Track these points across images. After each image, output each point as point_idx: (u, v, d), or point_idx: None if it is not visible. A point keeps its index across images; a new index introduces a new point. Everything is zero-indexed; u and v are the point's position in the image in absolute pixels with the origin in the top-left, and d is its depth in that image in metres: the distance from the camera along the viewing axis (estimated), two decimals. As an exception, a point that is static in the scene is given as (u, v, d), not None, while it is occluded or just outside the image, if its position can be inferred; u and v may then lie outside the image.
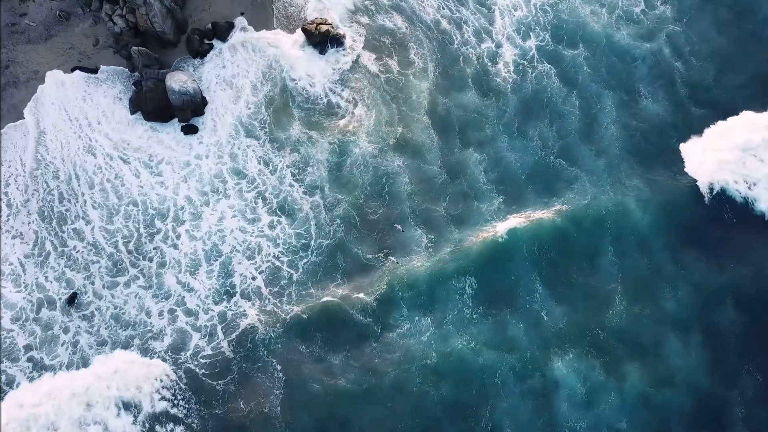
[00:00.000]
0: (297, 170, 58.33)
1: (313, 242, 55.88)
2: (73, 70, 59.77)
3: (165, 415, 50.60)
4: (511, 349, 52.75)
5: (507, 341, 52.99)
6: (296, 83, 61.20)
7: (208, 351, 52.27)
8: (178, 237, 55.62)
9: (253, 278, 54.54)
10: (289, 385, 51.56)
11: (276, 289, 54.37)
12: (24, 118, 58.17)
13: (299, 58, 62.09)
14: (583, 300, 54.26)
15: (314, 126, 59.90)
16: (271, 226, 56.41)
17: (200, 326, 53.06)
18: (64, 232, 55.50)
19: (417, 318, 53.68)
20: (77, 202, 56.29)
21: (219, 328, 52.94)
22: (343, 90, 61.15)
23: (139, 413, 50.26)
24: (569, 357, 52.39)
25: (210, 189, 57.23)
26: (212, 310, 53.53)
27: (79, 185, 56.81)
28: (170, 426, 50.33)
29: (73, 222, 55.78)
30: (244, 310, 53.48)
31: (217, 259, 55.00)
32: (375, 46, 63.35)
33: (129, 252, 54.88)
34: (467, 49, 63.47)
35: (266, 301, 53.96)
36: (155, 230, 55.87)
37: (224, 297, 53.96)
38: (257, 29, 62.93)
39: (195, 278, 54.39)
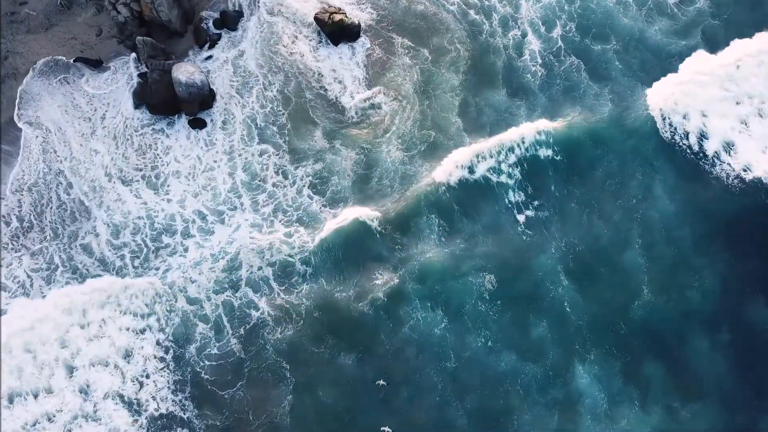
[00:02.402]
0: (318, 180, 56.57)
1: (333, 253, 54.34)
2: (75, 62, 58.47)
3: (170, 417, 49.85)
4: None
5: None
6: (310, 78, 59.59)
7: (215, 346, 51.56)
8: (186, 249, 54.32)
9: (260, 268, 53.36)
10: (298, 390, 50.60)
11: (285, 283, 53.23)
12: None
13: (311, 49, 60.68)
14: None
15: (333, 129, 58.26)
16: (288, 236, 54.92)
17: (205, 315, 52.35)
18: (72, 249, 54.31)
19: (430, 312, 52.48)
20: (88, 220, 55.09)
21: (225, 318, 52.16)
22: (360, 87, 59.56)
23: (141, 416, 49.55)
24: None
25: (226, 207, 55.62)
26: (215, 299, 52.71)
27: (88, 202, 55.76)
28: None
29: (84, 237, 54.59)
30: (252, 300, 52.53)
31: (224, 257, 53.89)
32: (392, 38, 61.62)
33: (135, 267, 53.64)
34: (495, 39, 61.72)
35: (275, 295, 52.81)
36: (162, 245, 54.45)
37: (228, 287, 52.96)
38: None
39: (201, 274, 53.40)
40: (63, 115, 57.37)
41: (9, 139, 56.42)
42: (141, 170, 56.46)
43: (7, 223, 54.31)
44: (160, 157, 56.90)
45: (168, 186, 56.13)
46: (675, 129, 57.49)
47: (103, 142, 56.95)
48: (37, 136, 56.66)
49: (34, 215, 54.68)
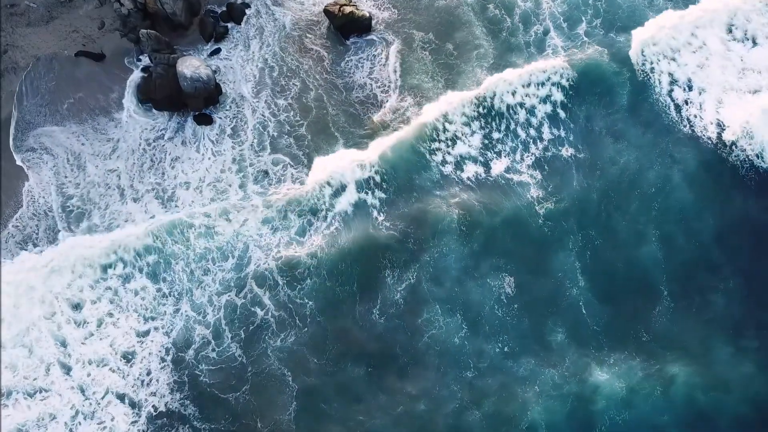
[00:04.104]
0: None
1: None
2: (77, 56, 58.05)
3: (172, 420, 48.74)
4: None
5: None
6: (326, 80, 58.67)
7: (216, 350, 50.32)
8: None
9: (267, 266, 51.98)
10: (301, 397, 48.99)
11: (290, 278, 51.82)
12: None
13: (325, 47, 59.86)
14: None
15: (355, 138, 56.94)
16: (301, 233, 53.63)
17: (208, 318, 51.09)
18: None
19: (448, 316, 50.90)
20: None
21: (226, 322, 50.88)
22: (384, 91, 58.32)
23: (140, 417, 48.48)
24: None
25: (236, 210, 54.26)
26: (219, 302, 51.43)
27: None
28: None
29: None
30: (256, 295, 51.24)
31: (232, 253, 52.72)
32: (408, 32, 60.55)
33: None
34: (517, 38, 60.56)
35: (279, 292, 51.33)
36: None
37: (234, 288, 51.62)
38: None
39: (206, 274, 52.14)
40: (79, 138, 56.51)
41: (24, 152, 55.83)
42: (152, 187, 55.35)
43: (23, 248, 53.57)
44: (168, 171, 55.73)
45: (177, 199, 54.94)
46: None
47: (120, 158, 56.08)
48: (46, 162, 55.73)
49: (45, 242, 53.44)
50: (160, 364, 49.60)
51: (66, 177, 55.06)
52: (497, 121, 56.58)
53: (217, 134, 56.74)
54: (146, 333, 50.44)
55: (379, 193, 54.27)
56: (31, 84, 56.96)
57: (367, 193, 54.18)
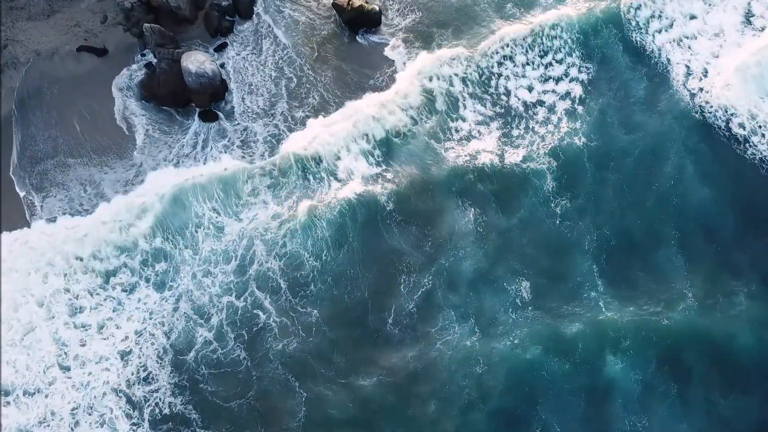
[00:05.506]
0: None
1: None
2: (79, 50, 57.53)
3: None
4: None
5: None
6: (341, 84, 57.96)
7: (218, 353, 49.53)
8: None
9: (270, 265, 51.11)
10: (309, 404, 48.17)
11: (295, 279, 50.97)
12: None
13: (337, 48, 59.44)
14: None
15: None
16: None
17: (210, 320, 50.26)
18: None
19: (463, 321, 50.21)
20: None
21: (227, 324, 50.01)
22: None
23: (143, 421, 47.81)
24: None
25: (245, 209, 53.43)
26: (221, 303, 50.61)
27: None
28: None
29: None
30: (259, 300, 50.36)
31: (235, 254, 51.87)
32: (427, 30, 59.76)
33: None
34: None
35: (282, 296, 50.48)
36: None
37: (233, 290, 50.79)
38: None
39: (209, 278, 51.27)
40: (102, 167, 55.26)
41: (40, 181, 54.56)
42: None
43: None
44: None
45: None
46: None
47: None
48: (55, 195, 54.25)
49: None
50: (158, 363, 48.91)
51: (81, 205, 53.81)
52: (514, 120, 56.13)
53: (225, 145, 55.83)
54: (146, 332, 49.72)
55: (389, 186, 53.54)
56: (32, 85, 56.30)
57: (375, 187, 53.44)
